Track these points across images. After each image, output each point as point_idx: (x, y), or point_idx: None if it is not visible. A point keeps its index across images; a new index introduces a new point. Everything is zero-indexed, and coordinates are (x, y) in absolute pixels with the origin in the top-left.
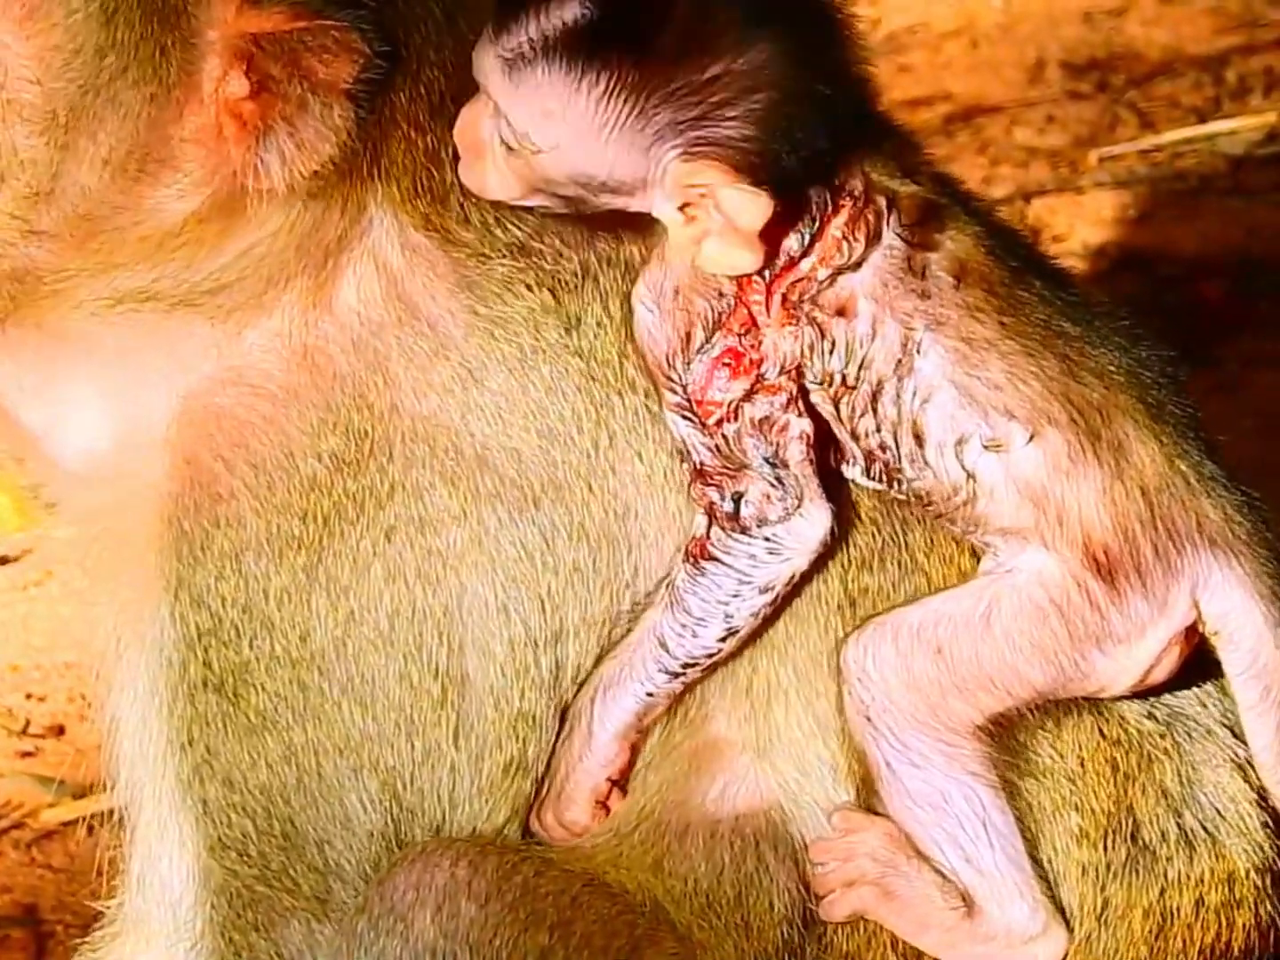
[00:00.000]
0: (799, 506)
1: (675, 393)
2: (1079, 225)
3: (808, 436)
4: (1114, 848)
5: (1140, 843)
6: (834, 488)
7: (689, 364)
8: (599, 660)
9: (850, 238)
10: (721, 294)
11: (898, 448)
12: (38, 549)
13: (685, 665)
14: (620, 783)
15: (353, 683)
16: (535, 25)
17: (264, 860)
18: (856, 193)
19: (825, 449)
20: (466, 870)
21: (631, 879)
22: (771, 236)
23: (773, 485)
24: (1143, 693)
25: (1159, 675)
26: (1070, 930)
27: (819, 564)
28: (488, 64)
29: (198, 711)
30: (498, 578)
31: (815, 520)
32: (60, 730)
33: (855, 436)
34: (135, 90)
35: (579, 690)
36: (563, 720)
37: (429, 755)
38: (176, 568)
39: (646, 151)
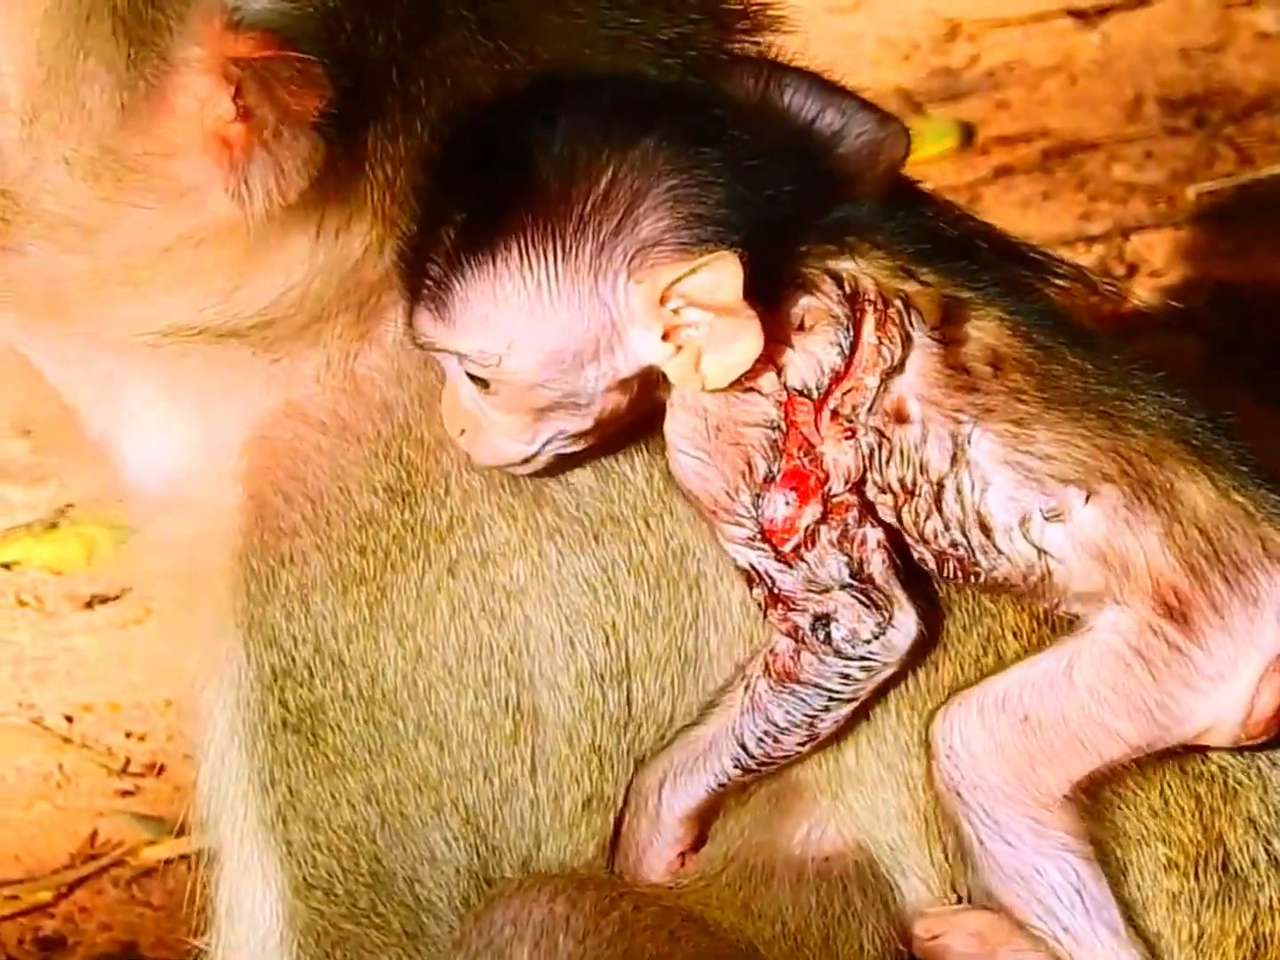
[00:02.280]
0: (890, 619)
1: (742, 526)
2: (1176, 261)
3: (884, 545)
4: (1205, 877)
5: (1231, 871)
6: (915, 585)
7: (758, 495)
8: (664, 744)
9: (886, 341)
10: (769, 417)
11: (969, 542)
12: (137, 587)
13: (762, 764)
14: (697, 849)
15: (426, 720)
16: (433, 259)
17: (351, 899)
18: (872, 296)
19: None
20: (564, 906)
21: (724, 919)
22: (774, 333)
23: (862, 603)
24: (1267, 742)
25: (1266, 705)
26: None
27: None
28: (420, 326)
29: (278, 752)
30: (561, 612)
31: (906, 629)
32: (160, 769)
33: (924, 540)
34: (104, 96)
35: (642, 771)
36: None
37: (508, 791)
38: (248, 607)
39: (594, 292)
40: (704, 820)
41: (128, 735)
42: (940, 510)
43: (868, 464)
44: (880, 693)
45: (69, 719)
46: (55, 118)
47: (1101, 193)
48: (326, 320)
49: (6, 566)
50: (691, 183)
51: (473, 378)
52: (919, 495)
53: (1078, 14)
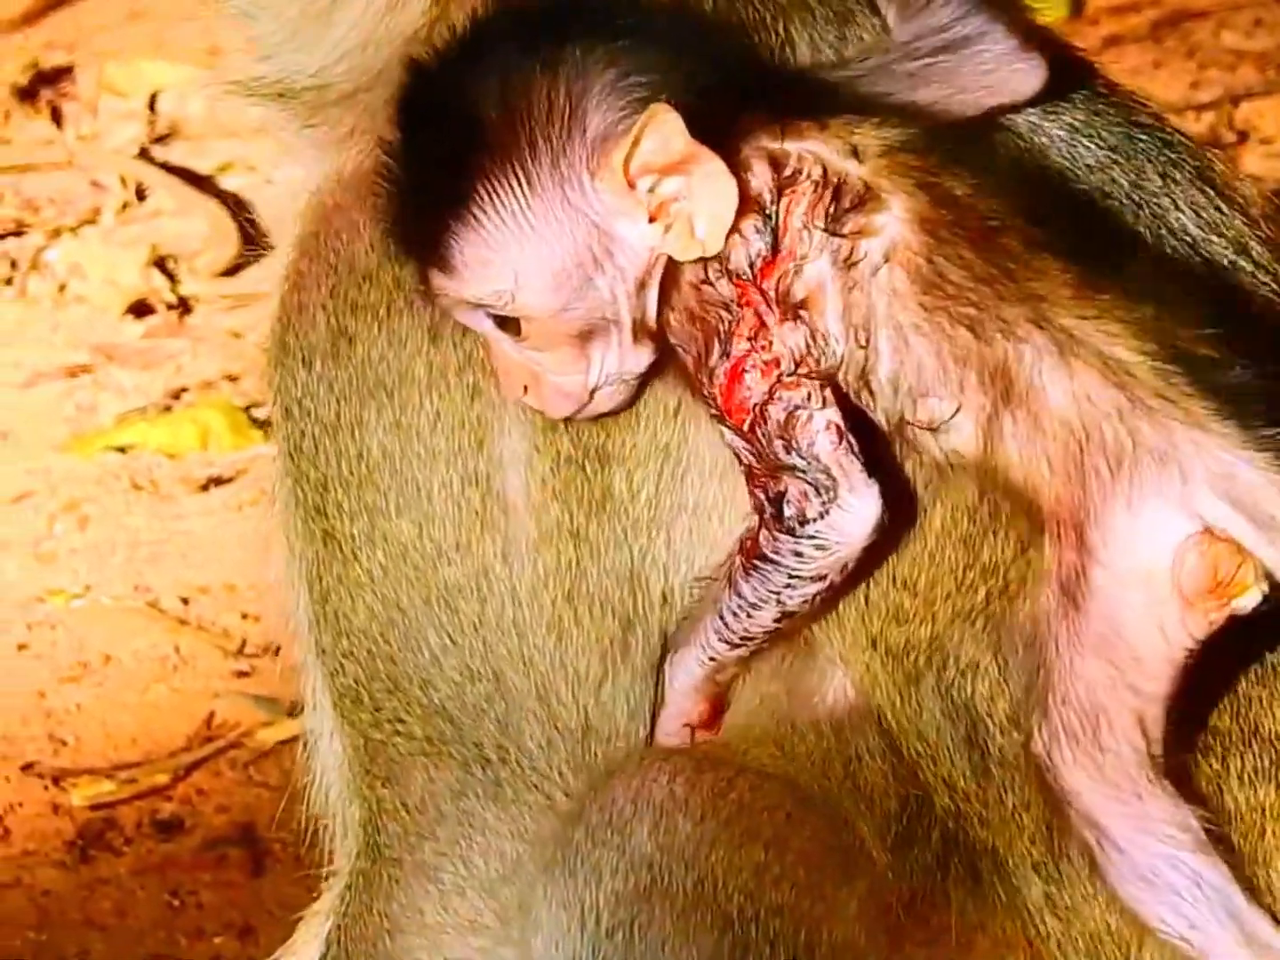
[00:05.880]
0: (835, 499)
1: (709, 405)
2: None
3: (835, 426)
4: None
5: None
6: (892, 474)
7: (712, 374)
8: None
9: (810, 226)
10: (728, 305)
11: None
12: (251, 469)
13: (744, 639)
14: (709, 725)
15: (404, 497)
16: (422, 221)
17: (375, 705)
18: (816, 177)
19: (874, 436)
20: (683, 787)
21: (764, 756)
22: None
23: (808, 483)
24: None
25: (1196, 575)
26: None
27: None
28: (436, 287)
29: (307, 544)
30: None
31: (858, 511)
32: (276, 649)
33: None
34: None
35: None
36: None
37: (483, 576)
38: (270, 371)
39: (566, 203)
40: (709, 695)
41: (244, 617)
42: (871, 391)
43: (810, 344)
44: (861, 571)
45: (185, 601)
46: None
47: (1211, 60)
48: (367, 91)
49: (121, 450)
50: (623, 71)
51: (502, 325)
52: (847, 378)
53: None
